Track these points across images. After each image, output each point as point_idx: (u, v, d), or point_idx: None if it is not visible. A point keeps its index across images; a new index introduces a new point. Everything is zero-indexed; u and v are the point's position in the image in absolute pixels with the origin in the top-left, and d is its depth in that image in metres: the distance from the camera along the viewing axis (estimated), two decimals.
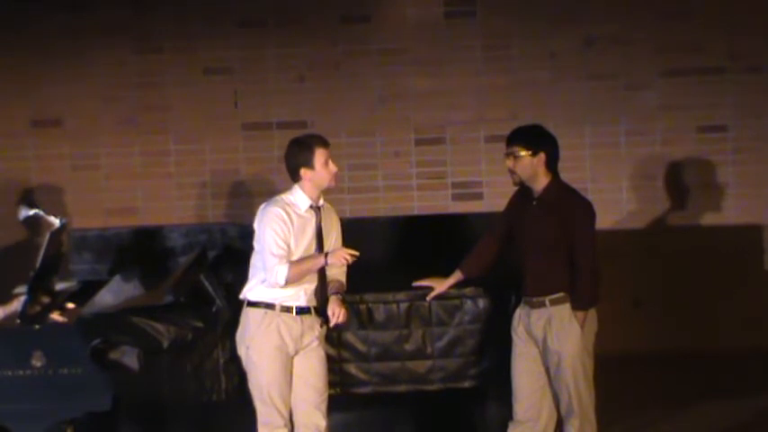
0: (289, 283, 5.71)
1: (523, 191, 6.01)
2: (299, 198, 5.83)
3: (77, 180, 8.64)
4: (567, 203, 5.88)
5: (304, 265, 5.74)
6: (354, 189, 8.64)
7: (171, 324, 5.98)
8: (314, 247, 5.82)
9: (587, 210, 5.91)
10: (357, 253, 5.70)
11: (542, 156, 5.88)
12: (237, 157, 8.69)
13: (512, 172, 5.93)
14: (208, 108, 8.68)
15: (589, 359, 5.92)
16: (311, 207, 5.83)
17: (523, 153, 5.86)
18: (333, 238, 5.93)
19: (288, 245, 5.73)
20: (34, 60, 8.59)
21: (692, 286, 8.56)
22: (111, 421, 6.13)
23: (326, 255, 5.72)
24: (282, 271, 5.69)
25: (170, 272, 6.65)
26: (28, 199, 8.31)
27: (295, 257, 5.75)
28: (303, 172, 5.80)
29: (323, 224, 5.86)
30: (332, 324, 5.84)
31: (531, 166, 5.88)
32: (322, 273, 5.85)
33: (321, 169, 5.79)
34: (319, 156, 5.79)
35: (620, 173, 8.68)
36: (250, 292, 5.84)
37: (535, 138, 5.91)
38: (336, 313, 5.79)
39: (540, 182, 5.90)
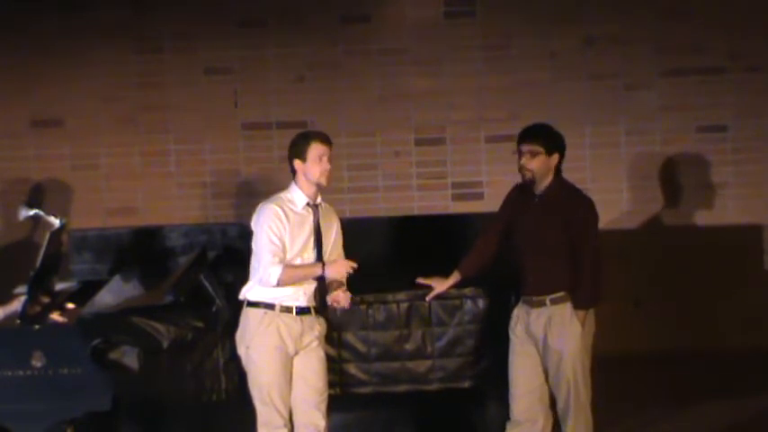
0: (280, 285, 5.72)
1: (522, 188, 6.01)
2: (296, 195, 5.84)
3: (77, 180, 8.64)
4: (569, 202, 5.89)
5: (300, 272, 5.74)
6: (354, 189, 8.64)
7: (171, 324, 5.98)
8: (311, 245, 5.82)
9: (590, 208, 5.92)
10: (356, 265, 5.70)
11: (556, 156, 5.91)
12: (237, 157, 8.69)
13: (525, 169, 5.92)
14: (208, 108, 8.68)
15: (588, 358, 5.93)
16: (308, 205, 5.83)
17: (541, 150, 5.87)
18: (332, 238, 5.93)
19: (282, 242, 5.74)
20: (34, 60, 8.59)
21: (692, 286, 8.56)
22: (111, 421, 6.12)
23: (324, 265, 5.73)
24: (276, 272, 5.70)
25: (170, 272, 6.65)
26: (28, 199, 8.31)
27: (290, 255, 5.75)
28: (296, 163, 5.82)
29: (321, 223, 5.86)
30: (330, 301, 5.81)
31: (545, 165, 5.91)
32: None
33: (312, 163, 5.79)
34: (314, 149, 5.78)
35: (620, 173, 8.68)
36: (249, 292, 5.85)
37: (553, 138, 5.95)
38: (341, 298, 5.77)
39: (546, 180, 5.92)
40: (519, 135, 5.98)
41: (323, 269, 5.73)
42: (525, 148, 5.92)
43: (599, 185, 8.54)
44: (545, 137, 5.93)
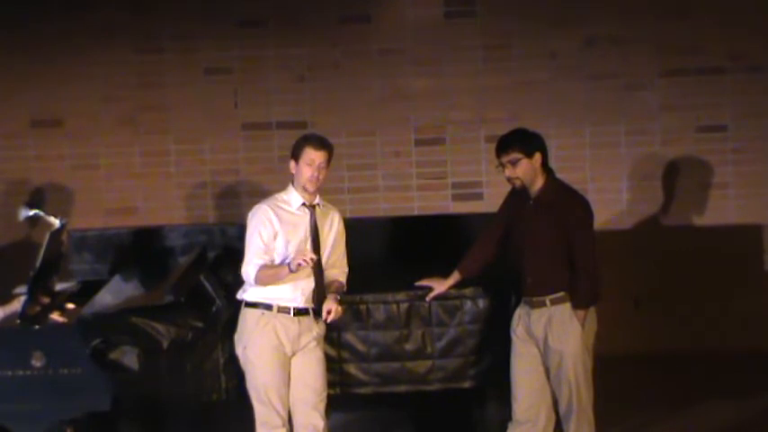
0: (258, 283, 5.77)
1: (518, 191, 6.01)
2: (291, 196, 5.86)
3: (77, 180, 8.64)
4: (564, 203, 5.89)
5: (270, 271, 5.74)
6: (354, 189, 8.64)
7: (171, 324, 5.99)
8: (308, 245, 5.82)
9: (585, 208, 5.92)
10: (314, 256, 5.65)
11: (538, 156, 5.90)
12: (237, 157, 8.69)
13: (512, 179, 5.93)
14: (208, 108, 8.68)
15: (589, 358, 5.93)
16: (303, 205, 5.84)
17: (520, 156, 5.86)
18: (331, 239, 5.93)
19: (269, 243, 5.77)
20: (34, 60, 8.59)
21: (692, 286, 8.56)
22: (111, 421, 6.12)
23: (289, 264, 5.70)
24: (252, 271, 5.76)
25: (170, 272, 6.65)
26: (28, 199, 8.31)
27: (284, 256, 5.77)
28: (291, 164, 5.85)
29: (319, 224, 5.86)
30: (323, 319, 5.84)
31: (530, 168, 5.89)
32: (319, 274, 5.86)
33: (302, 167, 5.81)
34: (306, 153, 5.80)
35: (620, 173, 8.68)
36: (247, 292, 5.86)
37: (527, 140, 5.93)
38: (332, 310, 5.79)
39: (538, 182, 5.92)
40: (495, 148, 5.97)
41: (289, 268, 5.67)
42: (504, 159, 5.92)
43: (599, 185, 8.55)
44: (520, 142, 5.91)
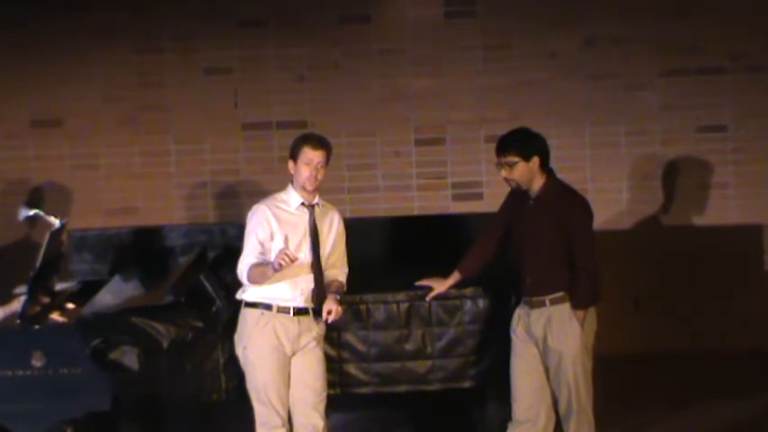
0: (251, 282, 5.76)
1: (518, 191, 6.00)
2: (290, 196, 5.87)
3: (77, 180, 8.64)
4: (564, 203, 5.88)
5: (259, 270, 5.72)
6: (354, 189, 8.64)
7: (171, 324, 5.99)
8: (307, 246, 5.82)
9: (585, 208, 5.91)
10: (291, 254, 5.59)
11: (536, 159, 5.88)
12: (237, 157, 8.69)
13: (508, 180, 5.93)
14: (208, 108, 8.68)
15: (588, 358, 5.93)
16: (303, 205, 5.84)
17: (517, 160, 5.85)
18: (331, 239, 5.93)
19: (265, 243, 5.76)
20: (34, 60, 8.59)
21: (692, 286, 8.56)
22: (111, 421, 6.13)
23: (272, 263, 5.64)
24: (244, 270, 5.76)
25: (170, 272, 6.65)
26: (28, 199, 8.31)
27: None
28: (290, 164, 5.86)
29: (319, 224, 5.86)
30: (324, 320, 5.83)
31: (527, 171, 5.87)
32: (319, 274, 5.86)
33: (301, 165, 5.81)
34: (304, 153, 5.80)
35: (620, 173, 8.68)
36: (246, 292, 5.86)
37: (526, 143, 5.90)
38: (333, 311, 5.79)
39: (537, 183, 5.91)
40: (495, 146, 5.96)
41: (272, 267, 5.63)
42: (502, 160, 5.90)
43: (599, 185, 8.55)
44: (518, 145, 5.88)
